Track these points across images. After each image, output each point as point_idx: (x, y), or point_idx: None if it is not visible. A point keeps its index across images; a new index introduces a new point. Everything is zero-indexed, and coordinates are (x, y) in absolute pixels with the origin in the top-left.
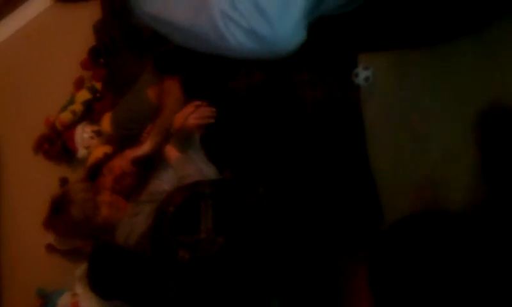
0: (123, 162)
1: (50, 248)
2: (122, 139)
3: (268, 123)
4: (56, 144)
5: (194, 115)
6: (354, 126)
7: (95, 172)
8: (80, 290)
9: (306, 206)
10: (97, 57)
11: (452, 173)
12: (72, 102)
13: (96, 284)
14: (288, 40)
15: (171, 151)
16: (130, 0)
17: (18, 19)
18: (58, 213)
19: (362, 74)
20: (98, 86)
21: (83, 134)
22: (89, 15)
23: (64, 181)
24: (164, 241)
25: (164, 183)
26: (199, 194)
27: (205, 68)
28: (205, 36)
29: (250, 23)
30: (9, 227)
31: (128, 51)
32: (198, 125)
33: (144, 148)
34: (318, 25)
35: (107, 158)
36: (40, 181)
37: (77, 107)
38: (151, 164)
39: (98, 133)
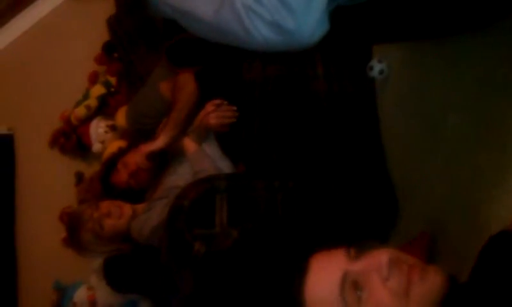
0: (137, 157)
1: (66, 241)
2: (137, 133)
3: (283, 117)
4: (71, 139)
5: (214, 114)
6: (369, 119)
7: (109, 167)
8: (95, 282)
9: (320, 200)
10: (111, 52)
11: (467, 166)
12: (86, 96)
13: (112, 278)
14: (313, 32)
15: (189, 145)
16: None
17: (33, 15)
18: (74, 242)
19: (377, 67)
20: (113, 80)
21: (98, 129)
22: (103, 9)
23: (79, 176)
24: (179, 235)
25: (178, 178)
26: (214, 188)
27: (219, 60)
28: (229, 29)
29: (274, 17)
30: (25, 221)
31: (142, 45)
32: (219, 124)
33: (159, 142)
34: (332, 17)
35: (122, 152)
36: (56, 175)
37: (92, 101)
38: (165, 158)
39: (113, 128)
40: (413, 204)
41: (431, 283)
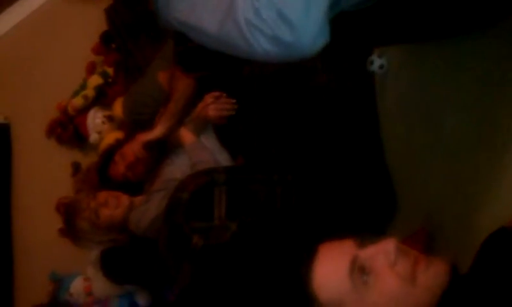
0: (134, 145)
1: (63, 232)
2: (134, 124)
3: (282, 110)
4: (68, 129)
5: (213, 106)
6: (368, 114)
7: (107, 159)
8: (92, 273)
9: (319, 194)
10: (109, 42)
11: (466, 165)
12: (84, 87)
13: (109, 269)
14: (313, 44)
15: (187, 135)
16: (157, 4)
17: (30, 4)
18: (71, 230)
19: (377, 62)
20: (110, 71)
21: (95, 119)
22: None
23: (76, 166)
24: (178, 227)
25: (176, 168)
26: (213, 180)
27: (223, 61)
28: (232, 42)
29: (274, 31)
30: (22, 211)
31: (141, 35)
32: (217, 116)
33: (156, 132)
34: (334, 23)
35: (119, 144)
36: (53, 165)
37: (89, 92)
38: (163, 149)
39: (110, 119)
40: (411, 200)
41: (436, 271)
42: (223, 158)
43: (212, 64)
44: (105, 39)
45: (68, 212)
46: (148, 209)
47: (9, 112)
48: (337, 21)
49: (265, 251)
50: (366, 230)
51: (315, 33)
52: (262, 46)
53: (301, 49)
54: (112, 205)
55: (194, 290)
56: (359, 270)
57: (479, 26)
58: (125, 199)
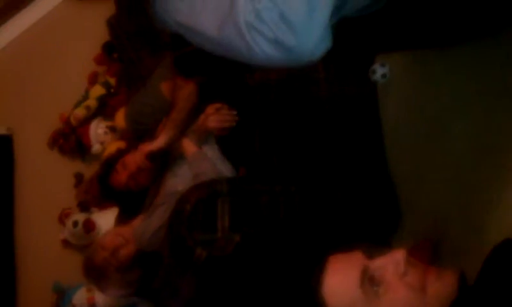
0: (137, 156)
1: (65, 243)
2: (137, 134)
3: (284, 121)
4: (70, 140)
5: (214, 117)
6: (371, 123)
7: (108, 168)
8: None
9: (322, 204)
10: (111, 52)
11: (472, 173)
12: (86, 97)
13: None
14: (315, 49)
15: (189, 146)
16: (155, 5)
17: (32, 14)
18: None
19: (379, 71)
20: (112, 81)
21: (97, 130)
22: (103, 9)
23: (79, 177)
24: (181, 239)
25: (178, 180)
26: (216, 192)
27: (222, 66)
28: (231, 45)
29: (276, 34)
30: (24, 222)
31: (143, 46)
32: (218, 127)
33: (158, 142)
34: (337, 28)
35: (121, 153)
36: (55, 176)
37: (91, 102)
38: (165, 159)
39: (112, 129)
40: (417, 209)
41: (445, 282)
42: (225, 169)
43: (210, 68)
44: (108, 49)
45: (96, 276)
46: (151, 222)
47: (12, 123)
48: (340, 27)
49: (271, 263)
50: (370, 241)
51: (318, 38)
52: (263, 49)
53: (302, 54)
54: (122, 244)
55: (200, 303)
56: (369, 281)
57: (481, 33)
58: (128, 232)
